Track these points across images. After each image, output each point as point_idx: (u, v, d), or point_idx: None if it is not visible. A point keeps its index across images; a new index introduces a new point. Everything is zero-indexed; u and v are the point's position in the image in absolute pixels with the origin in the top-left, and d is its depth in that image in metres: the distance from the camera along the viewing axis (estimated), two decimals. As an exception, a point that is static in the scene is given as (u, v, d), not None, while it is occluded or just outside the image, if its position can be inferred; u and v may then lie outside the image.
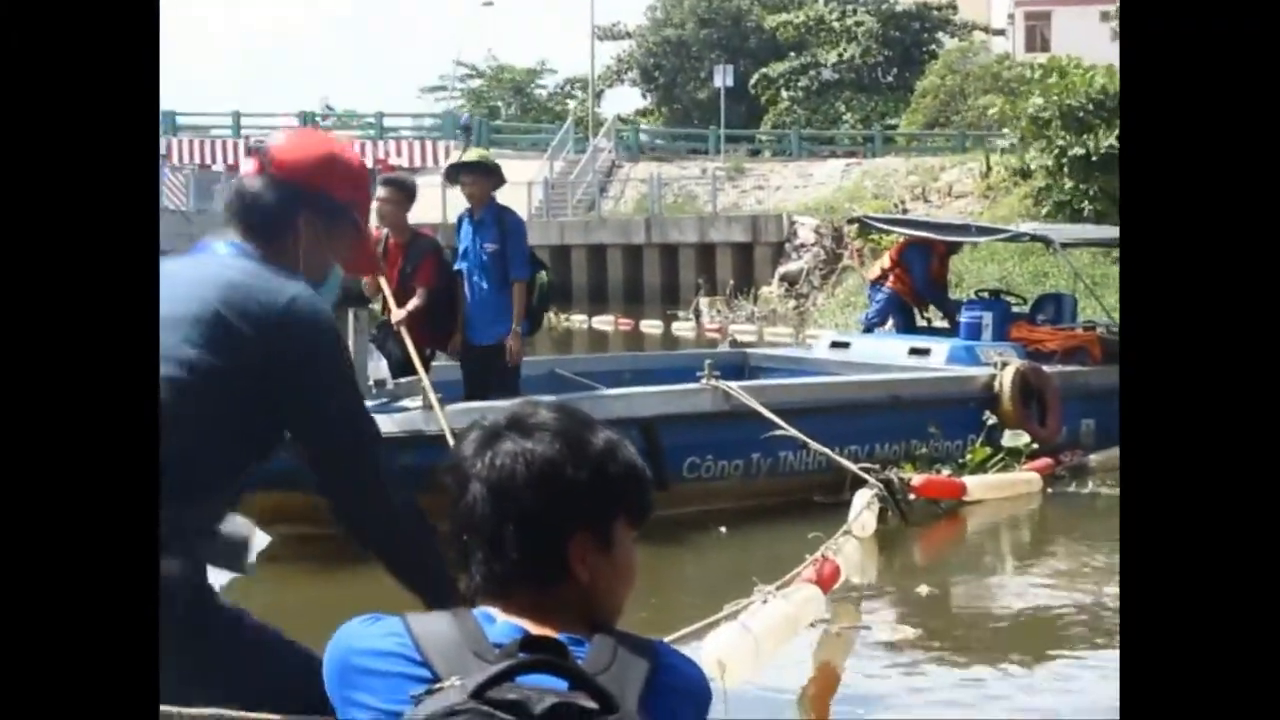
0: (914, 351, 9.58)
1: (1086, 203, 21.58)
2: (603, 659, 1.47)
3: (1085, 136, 21.54)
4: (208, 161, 35.77)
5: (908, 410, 8.32)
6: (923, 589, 6.09)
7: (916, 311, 10.93)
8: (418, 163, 34.42)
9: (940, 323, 10.85)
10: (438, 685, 1.38)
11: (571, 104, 49.15)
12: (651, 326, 21.65)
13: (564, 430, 1.59)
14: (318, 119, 41.23)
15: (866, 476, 7.23)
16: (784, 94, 41.77)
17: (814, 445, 7.41)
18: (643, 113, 48.00)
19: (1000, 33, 47.24)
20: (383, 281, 7.18)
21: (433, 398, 6.65)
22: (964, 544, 7.68)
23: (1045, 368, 9.09)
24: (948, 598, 6.37)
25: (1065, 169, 22.05)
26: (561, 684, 1.38)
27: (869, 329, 10.82)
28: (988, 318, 9.77)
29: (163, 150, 34.77)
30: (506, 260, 7.42)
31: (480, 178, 7.46)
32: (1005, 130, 25.26)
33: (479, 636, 1.48)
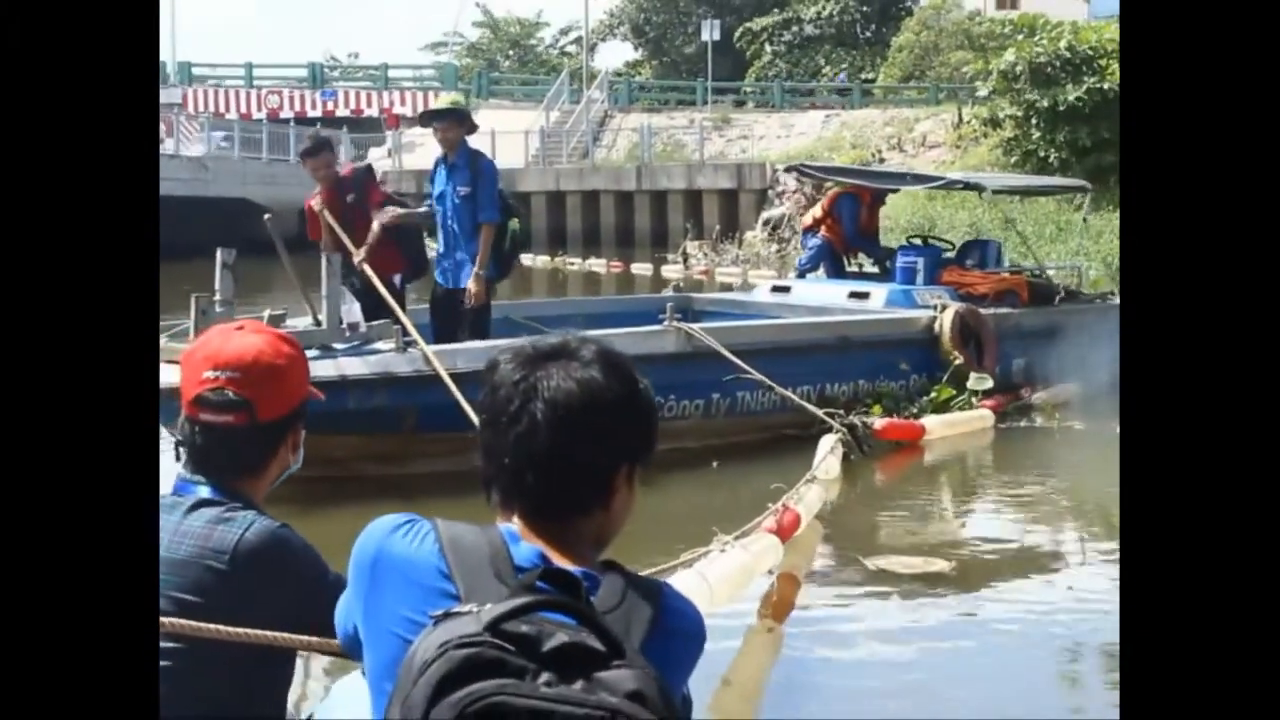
0: (854, 295, 9.46)
1: (1052, 151, 21.56)
2: (613, 598, 1.43)
3: (1052, 90, 21.52)
4: (221, 110, 35.48)
5: (857, 351, 8.23)
6: (882, 514, 6.04)
7: (846, 258, 10.83)
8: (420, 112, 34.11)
9: (870, 268, 10.75)
10: (455, 610, 1.32)
11: (566, 60, 48.63)
12: (642, 269, 21.61)
13: (619, 363, 1.53)
14: (326, 70, 40.72)
15: (830, 421, 7.14)
16: (767, 48, 41.38)
17: (778, 389, 7.30)
18: (633, 65, 47.48)
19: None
20: (336, 227, 7.09)
21: (408, 324, 6.39)
22: (922, 473, 7.62)
23: (980, 309, 9.00)
24: (906, 523, 6.33)
25: (1033, 121, 22.03)
26: (573, 618, 1.34)
27: (802, 275, 10.70)
28: (920, 262, 9.70)
29: (179, 99, 34.46)
30: (476, 203, 7.19)
31: (453, 124, 7.18)
32: (978, 84, 25.07)
33: (504, 556, 1.43)
